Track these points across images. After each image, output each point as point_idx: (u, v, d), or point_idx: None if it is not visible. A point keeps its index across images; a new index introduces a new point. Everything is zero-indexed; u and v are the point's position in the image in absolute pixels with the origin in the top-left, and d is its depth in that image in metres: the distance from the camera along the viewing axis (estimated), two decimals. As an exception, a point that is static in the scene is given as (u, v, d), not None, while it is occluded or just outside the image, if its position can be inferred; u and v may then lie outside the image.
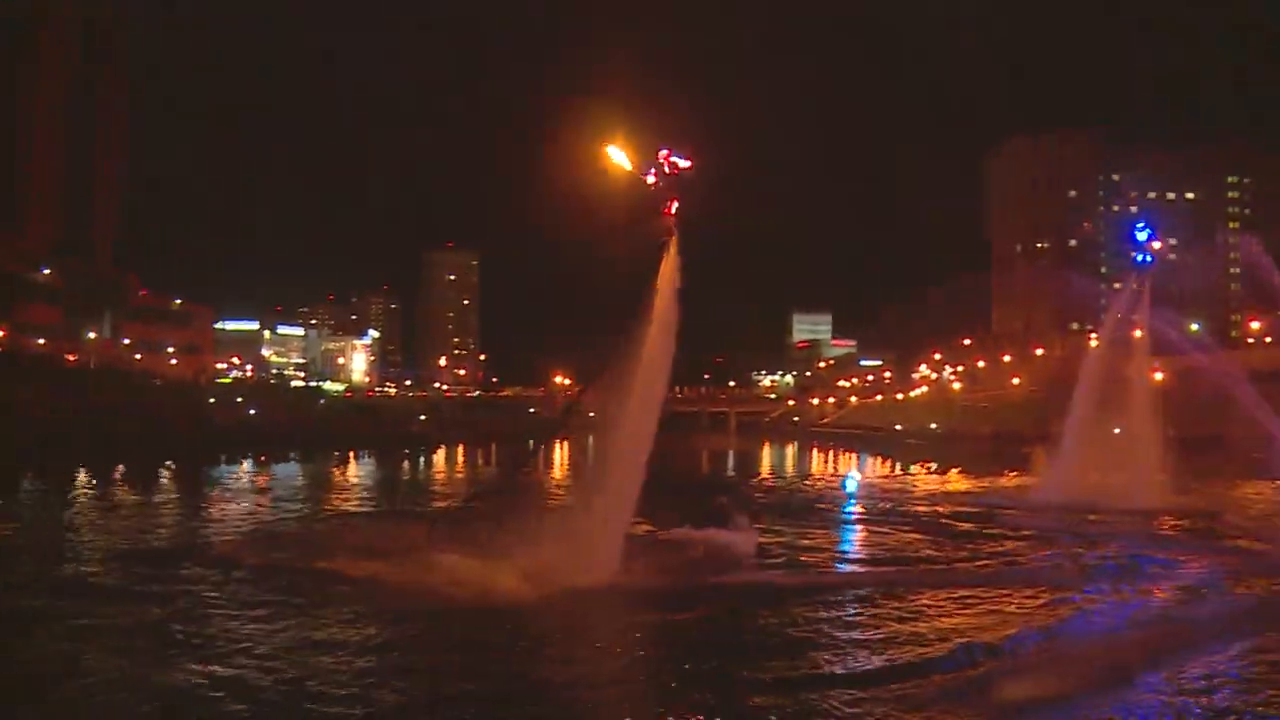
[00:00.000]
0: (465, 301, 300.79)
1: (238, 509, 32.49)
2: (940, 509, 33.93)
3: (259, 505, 34.21)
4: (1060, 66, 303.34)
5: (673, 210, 20.26)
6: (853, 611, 17.14)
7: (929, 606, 17.15)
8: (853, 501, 38.50)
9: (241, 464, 54.64)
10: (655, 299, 20.10)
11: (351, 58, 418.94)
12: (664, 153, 20.18)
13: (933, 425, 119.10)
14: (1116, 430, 43.68)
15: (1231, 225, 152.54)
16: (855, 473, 41.48)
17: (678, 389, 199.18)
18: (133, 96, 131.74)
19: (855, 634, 15.35)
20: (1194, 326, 36.88)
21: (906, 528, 28.70)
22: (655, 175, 20.17)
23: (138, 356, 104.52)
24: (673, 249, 20.27)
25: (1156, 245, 39.96)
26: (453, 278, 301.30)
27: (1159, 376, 43.59)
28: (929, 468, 59.62)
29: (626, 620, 16.27)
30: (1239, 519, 29.83)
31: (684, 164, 20.18)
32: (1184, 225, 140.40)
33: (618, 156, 20.35)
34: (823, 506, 36.53)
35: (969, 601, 17.57)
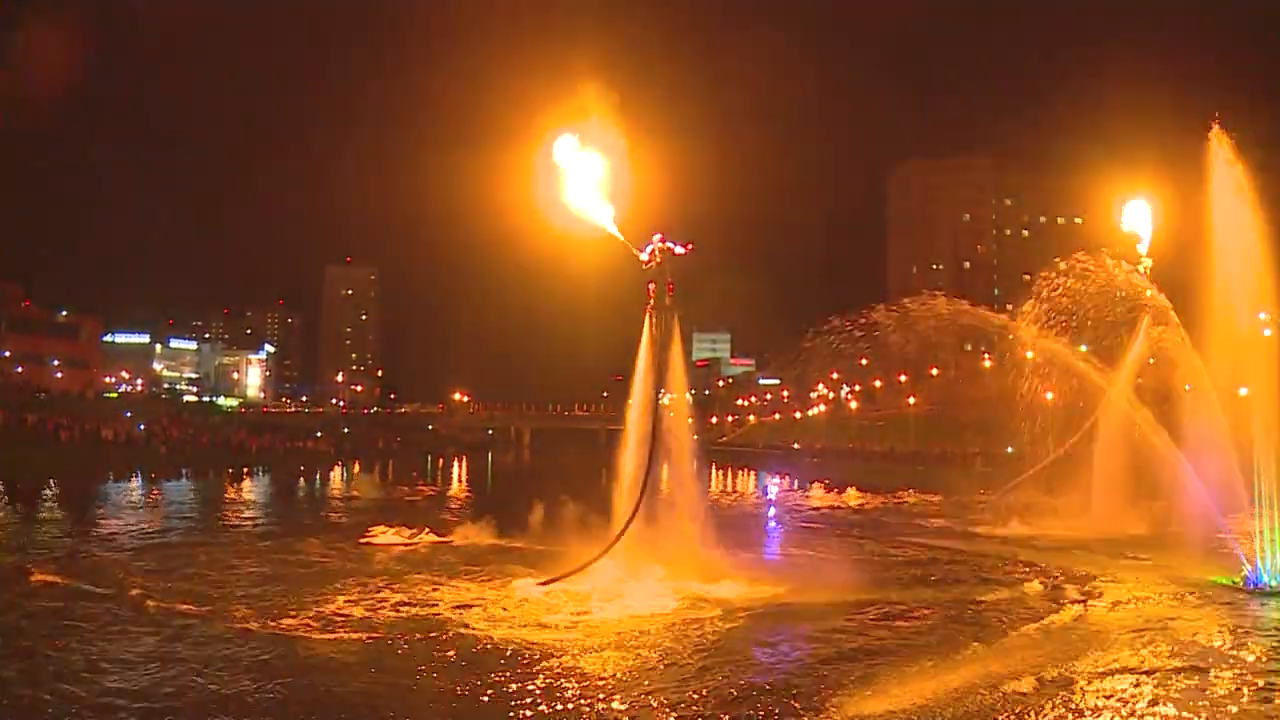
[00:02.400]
0: (364, 316, 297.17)
1: (122, 526, 31.50)
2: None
3: (146, 523, 33.21)
4: (954, 94, 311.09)
5: (671, 290, 22.55)
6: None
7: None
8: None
9: (131, 481, 53.09)
10: (671, 361, 23.06)
11: (249, 65, 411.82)
12: (658, 238, 22.16)
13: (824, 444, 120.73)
14: (1009, 450, 44.51)
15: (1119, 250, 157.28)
16: (771, 490, 41.77)
17: (577, 407, 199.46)
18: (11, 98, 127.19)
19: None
20: (1082, 348, 37.69)
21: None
22: (650, 258, 22.20)
23: (19, 369, 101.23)
24: (676, 322, 22.84)
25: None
26: (349, 293, 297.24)
27: (1049, 396, 44.52)
28: (827, 485, 60.39)
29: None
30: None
31: (680, 250, 22.30)
32: (1076, 249, 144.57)
33: (610, 225, 22.03)
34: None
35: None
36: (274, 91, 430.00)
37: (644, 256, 22.47)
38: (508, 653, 14.83)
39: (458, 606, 18.38)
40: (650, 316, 23.04)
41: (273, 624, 16.53)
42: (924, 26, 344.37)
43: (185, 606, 17.66)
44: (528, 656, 14.59)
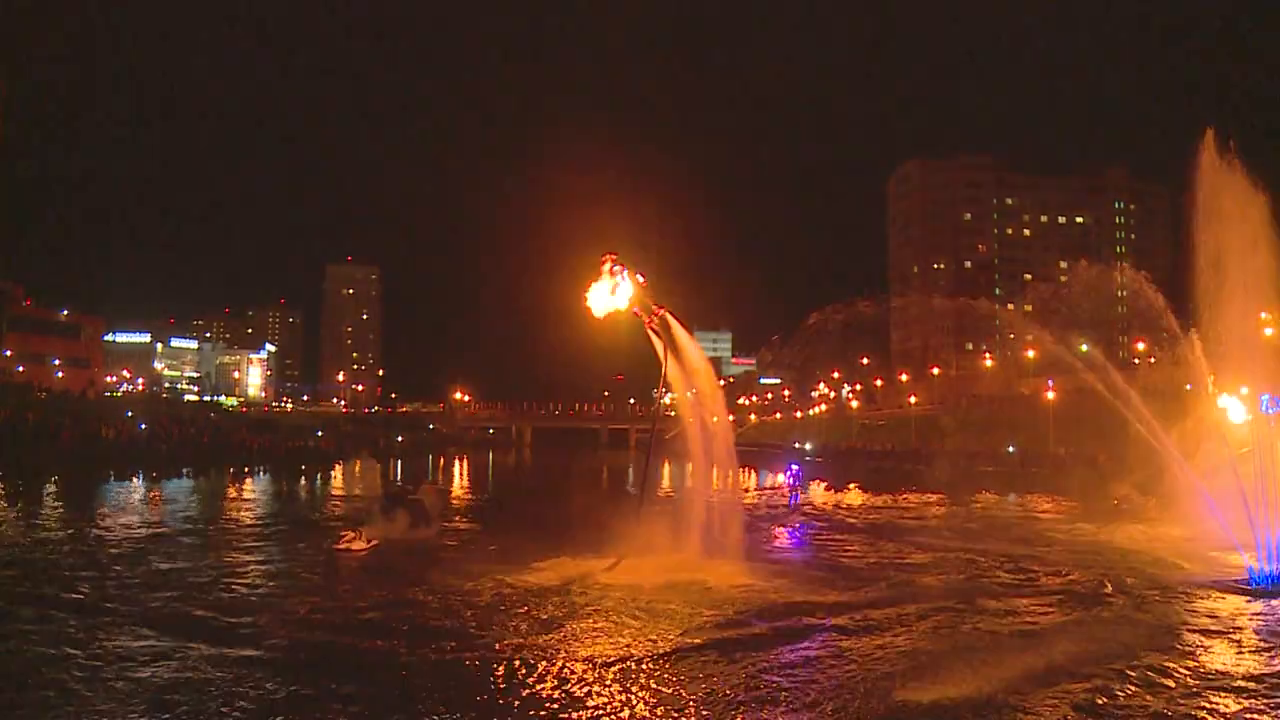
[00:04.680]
0: (364, 316, 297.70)
1: (126, 524, 31.48)
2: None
3: (147, 522, 33.18)
4: (956, 94, 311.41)
5: (660, 310, 22.84)
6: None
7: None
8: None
9: (132, 480, 53.07)
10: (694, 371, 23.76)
11: (251, 67, 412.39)
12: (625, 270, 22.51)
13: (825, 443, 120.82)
14: (1010, 449, 44.30)
15: (1119, 249, 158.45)
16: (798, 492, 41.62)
17: (578, 406, 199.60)
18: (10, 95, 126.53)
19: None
20: (1083, 347, 37.73)
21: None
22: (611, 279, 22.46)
23: (20, 369, 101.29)
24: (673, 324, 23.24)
25: None
26: (350, 292, 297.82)
27: (1050, 395, 44.54)
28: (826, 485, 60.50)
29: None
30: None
31: (640, 279, 22.55)
32: (1076, 248, 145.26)
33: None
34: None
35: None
36: (275, 92, 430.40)
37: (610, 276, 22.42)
38: (510, 654, 14.76)
39: (454, 608, 18.24)
40: (652, 334, 23.17)
41: (264, 627, 16.37)
42: (925, 26, 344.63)
43: (182, 608, 17.68)
44: (528, 658, 14.52)
